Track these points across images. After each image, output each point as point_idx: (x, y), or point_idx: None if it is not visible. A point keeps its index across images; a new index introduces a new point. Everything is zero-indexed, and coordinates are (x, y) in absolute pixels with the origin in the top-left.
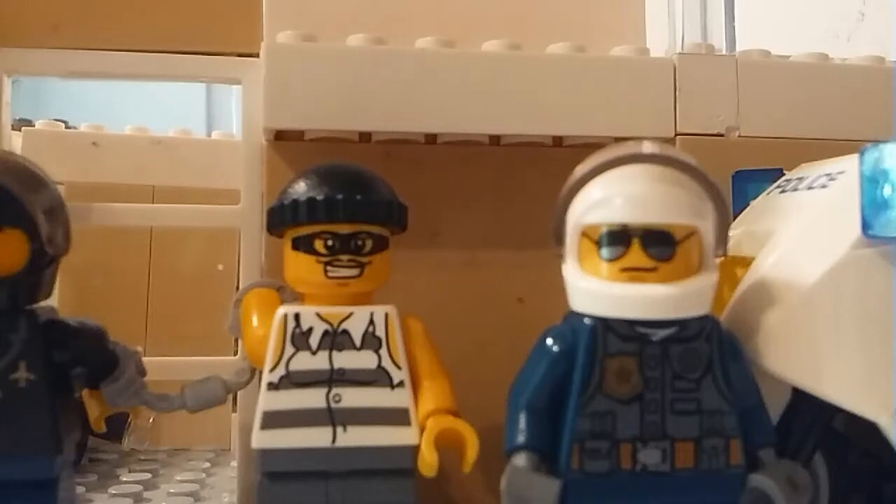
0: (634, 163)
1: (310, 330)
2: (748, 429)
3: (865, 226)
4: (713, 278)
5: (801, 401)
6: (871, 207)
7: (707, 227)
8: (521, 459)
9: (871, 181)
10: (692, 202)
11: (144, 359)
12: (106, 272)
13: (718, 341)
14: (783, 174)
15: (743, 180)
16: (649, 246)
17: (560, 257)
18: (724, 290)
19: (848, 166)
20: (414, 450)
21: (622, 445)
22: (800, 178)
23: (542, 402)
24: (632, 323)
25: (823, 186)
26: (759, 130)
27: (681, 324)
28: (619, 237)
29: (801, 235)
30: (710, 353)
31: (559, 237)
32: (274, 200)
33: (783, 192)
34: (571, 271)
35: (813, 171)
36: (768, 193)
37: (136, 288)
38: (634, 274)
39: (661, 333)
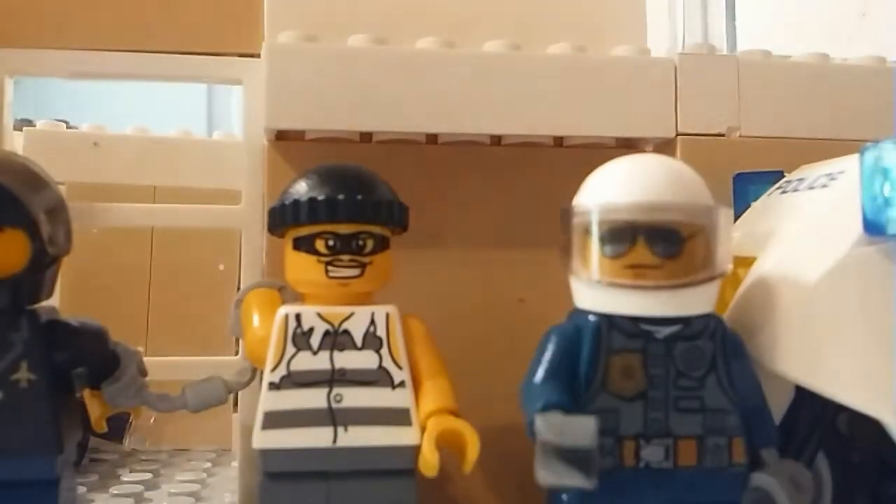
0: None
1: (311, 330)
2: (751, 428)
3: (866, 224)
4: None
5: (804, 400)
6: (872, 206)
7: (713, 224)
8: (551, 412)
9: (872, 180)
10: (698, 200)
11: (145, 359)
12: (107, 272)
13: (722, 340)
14: (784, 176)
15: (744, 182)
16: (655, 243)
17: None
18: (726, 291)
19: (847, 166)
20: (415, 450)
21: (625, 442)
22: (800, 180)
23: (557, 374)
24: (636, 320)
25: (824, 186)
26: (760, 130)
27: (685, 321)
28: (624, 234)
29: (802, 234)
30: (713, 352)
31: (566, 234)
32: (275, 201)
33: (784, 192)
34: (576, 268)
35: (813, 172)
36: (769, 195)
37: (138, 288)
38: (639, 271)
39: (665, 331)
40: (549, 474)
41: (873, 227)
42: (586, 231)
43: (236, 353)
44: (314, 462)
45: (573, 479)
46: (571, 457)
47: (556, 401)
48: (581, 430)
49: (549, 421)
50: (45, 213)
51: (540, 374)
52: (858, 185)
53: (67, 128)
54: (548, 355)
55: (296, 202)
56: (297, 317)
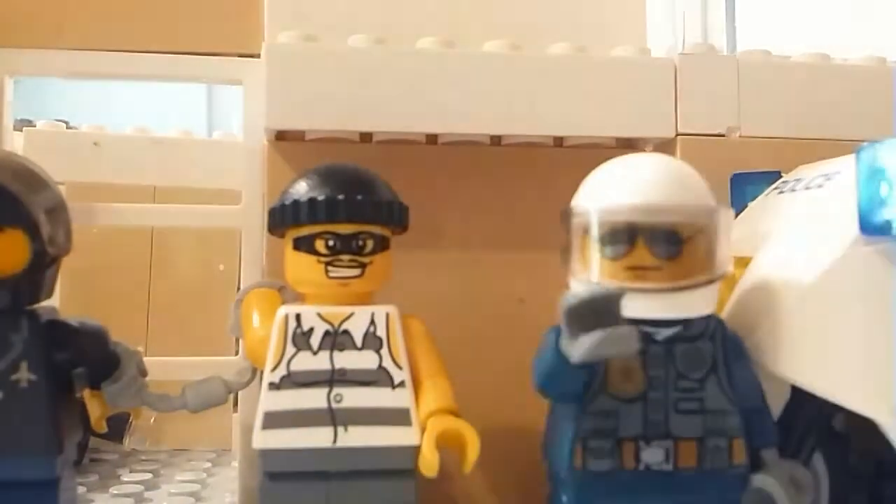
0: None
1: (311, 330)
2: (751, 429)
3: (863, 224)
4: None
5: (801, 400)
6: (869, 205)
7: (714, 225)
8: None
9: (869, 179)
10: (699, 201)
11: (145, 359)
12: (107, 272)
13: (722, 341)
14: (781, 177)
15: (741, 182)
16: (655, 244)
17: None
18: (723, 291)
19: (844, 166)
20: (415, 450)
21: (625, 444)
22: (797, 180)
23: None
24: (636, 322)
25: (820, 186)
26: (760, 130)
27: (685, 323)
28: (624, 235)
29: (798, 234)
30: (713, 353)
31: (566, 234)
32: (275, 201)
33: (781, 193)
34: (575, 269)
35: (810, 172)
36: (766, 195)
37: (138, 288)
38: (639, 272)
39: (665, 333)
40: (579, 345)
41: (870, 228)
42: (586, 232)
43: (236, 353)
44: (314, 462)
45: (606, 340)
46: (601, 310)
47: None
48: (605, 288)
49: (570, 296)
50: (45, 213)
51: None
52: (855, 186)
53: (68, 128)
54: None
55: (296, 202)
56: (297, 317)
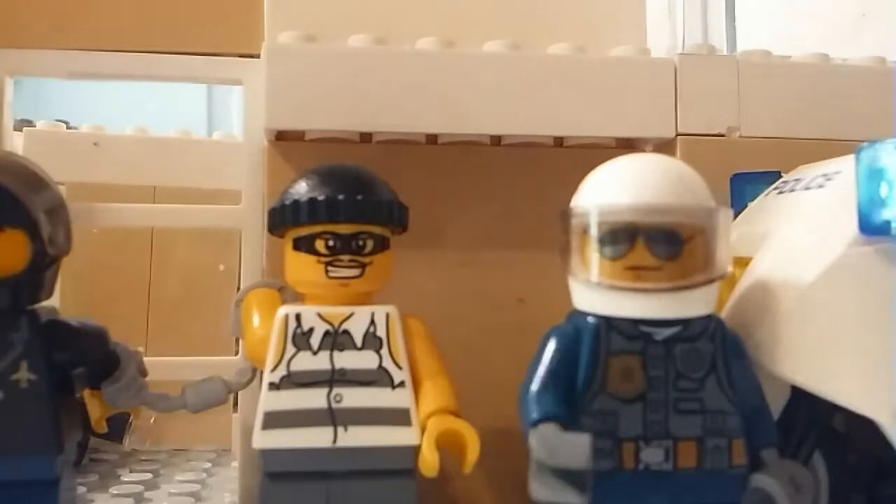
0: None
1: (311, 330)
2: (751, 428)
3: (862, 224)
4: None
5: (801, 400)
6: (869, 205)
7: (714, 226)
8: (545, 426)
9: (869, 179)
10: (699, 201)
11: (145, 359)
12: (107, 272)
13: (722, 341)
14: (781, 177)
15: (741, 182)
16: (654, 244)
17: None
18: (723, 291)
19: (844, 166)
20: (415, 450)
21: (625, 444)
22: (797, 180)
23: (554, 382)
24: (635, 322)
25: (820, 187)
26: (760, 131)
27: (685, 323)
28: (624, 235)
29: (798, 234)
30: (713, 353)
31: (565, 234)
32: (275, 201)
33: (781, 193)
34: (575, 269)
35: (810, 172)
36: (766, 195)
37: (138, 288)
38: (638, 273)
39: (664, 332)
40: (542, 489)
41: (870, 228)
42: (585, 232)
43: (236, 353)
44: (314, 462)
45: (566, 496)
46: (564, 474)
47: (552, 413)
48: (574, 449)
49: (542, 438)
50: (45, 214)
51: (537, 382)
52: (855, 186)
53: (68, 128)
54: (547, 358)
55: (296, 202)
56: (297, 317)
